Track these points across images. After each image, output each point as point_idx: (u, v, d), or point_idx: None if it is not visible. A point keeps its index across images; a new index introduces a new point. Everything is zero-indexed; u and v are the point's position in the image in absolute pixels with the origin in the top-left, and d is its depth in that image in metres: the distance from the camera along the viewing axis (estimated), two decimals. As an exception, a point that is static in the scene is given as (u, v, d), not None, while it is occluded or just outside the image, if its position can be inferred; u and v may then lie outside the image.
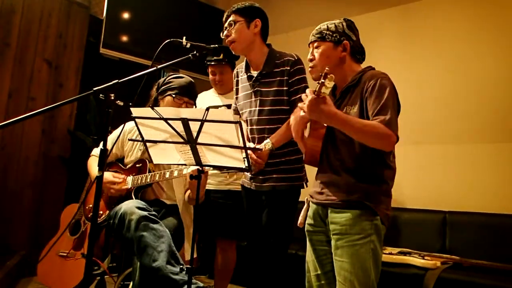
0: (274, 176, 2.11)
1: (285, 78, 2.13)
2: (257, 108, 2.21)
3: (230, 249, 2.71)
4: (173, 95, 2.35)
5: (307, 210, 1.78)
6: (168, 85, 2.40)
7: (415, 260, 2.66)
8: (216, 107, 2.79)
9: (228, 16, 2.20)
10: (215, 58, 2.77)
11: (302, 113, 1.57)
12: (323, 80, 1.45)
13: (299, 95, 2.07)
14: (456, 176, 3.26)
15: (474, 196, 3.14)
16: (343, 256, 1.56)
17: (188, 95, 2.39)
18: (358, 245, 1.55)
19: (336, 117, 1.51)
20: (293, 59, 2.15)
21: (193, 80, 2.47)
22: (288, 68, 2.13)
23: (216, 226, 2.66)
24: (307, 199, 1.80)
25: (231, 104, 2.76)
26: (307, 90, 1.55)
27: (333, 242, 1.62)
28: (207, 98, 2.94)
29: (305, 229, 1.78)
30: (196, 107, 2.50)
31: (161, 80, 2.46)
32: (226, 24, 2.21)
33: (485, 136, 3.20)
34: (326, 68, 1.46)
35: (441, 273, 2.52)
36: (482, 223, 2.97)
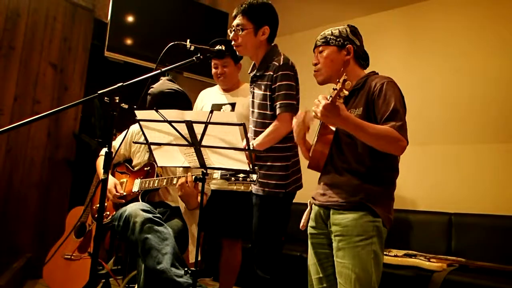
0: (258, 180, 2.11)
1: (269, 83, 2.11)
2: (250, 109, 2.23)
3: (235, 248, 2.72)
4: None
5: (310, 213, 1.78)
6: None
7: (421, 262, 2.65)
8: (219, 105, 2.79)
9: (237, 16, 2.17)
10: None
11: (313, 115, 1.57)
12: (341, 86, 1.43)
13: (279, 101, 2.07)
14: (462, 177, 3.24)
15: (480, 198, 3.12)
16: (345, 258, 1.57)
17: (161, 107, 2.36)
18: (360, 247, 1.55)
19: (350, 120, 1.51)
20: (277, 64, 2.11)
21: (163, 90, 2.41)
22: (272, 73, 2.11)
23: (220, 226, 2.67)
24: (309, 201, 1.80)
25: (235, 103, 2.74)
26: (320, 96, 1.52)
27: (334, 244, 1.62)
28: (211, 95, 2.89)
29: (307, 231, 1.78)
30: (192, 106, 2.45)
31: None
32: (234, 24, 2.17)
33: (491, 137, 3.18)
34: (345, 75, 1.45)
35: (447, 275, 2.50)
36: (488, 224, 2.95)
